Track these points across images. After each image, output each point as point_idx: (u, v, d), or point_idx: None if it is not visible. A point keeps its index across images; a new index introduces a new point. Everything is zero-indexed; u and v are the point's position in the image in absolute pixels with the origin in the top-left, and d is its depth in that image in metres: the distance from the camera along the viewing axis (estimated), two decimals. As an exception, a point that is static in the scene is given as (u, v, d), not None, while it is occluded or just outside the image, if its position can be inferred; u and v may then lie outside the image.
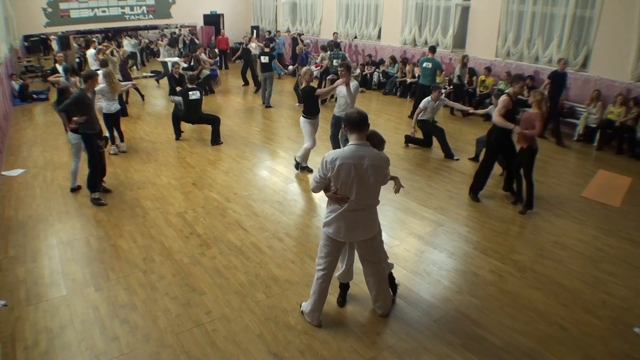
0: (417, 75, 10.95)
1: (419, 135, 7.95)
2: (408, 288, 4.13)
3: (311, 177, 3.32)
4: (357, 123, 3.16)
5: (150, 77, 13.03)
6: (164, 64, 12.90)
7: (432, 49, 9.68)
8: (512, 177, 5.90)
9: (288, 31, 16.03)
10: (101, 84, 6.75)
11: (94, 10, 15.05)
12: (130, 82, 8.85)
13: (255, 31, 16.85)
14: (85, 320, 3.67)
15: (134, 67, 15.29)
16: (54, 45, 14.27)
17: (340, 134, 6.44)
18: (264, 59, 10.57)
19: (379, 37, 13.54)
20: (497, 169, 6.28)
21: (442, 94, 7.54)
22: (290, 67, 12.40)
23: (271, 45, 11.74)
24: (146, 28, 17.06)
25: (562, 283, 4.26)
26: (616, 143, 8.12)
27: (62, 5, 14.44)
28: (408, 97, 11.73)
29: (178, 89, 8.60)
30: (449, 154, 7.51)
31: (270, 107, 10.79)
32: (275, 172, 6.90)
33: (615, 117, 8.11)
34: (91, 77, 5.54)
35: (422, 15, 12.05)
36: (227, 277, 4.27)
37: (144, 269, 4.39)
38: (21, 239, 4.92)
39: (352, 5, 14.14)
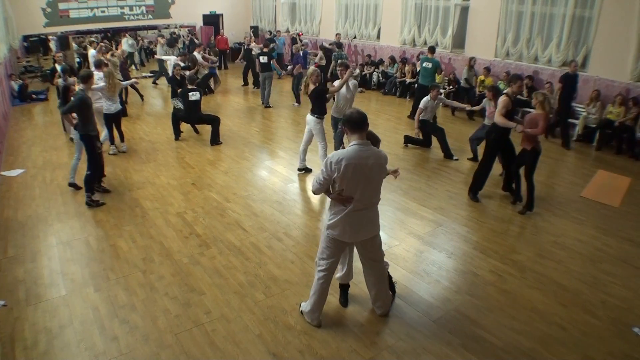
0: (417, 70, 10.78)
1: (422, 136, 7.96)
2: (407, 288, 4.13)
3: (313, 179, 3.31)
4: (358, 123, 3.16)
5: (150, 77, 13.01)
6: (160, 61, 12.89)
7: (432, 49, 9.68)
8: (511, 176, 5.91)
9: (287, 31, 16.03)
10: (100, 83, 6.78)
11: (93, 11, 15.02)
12: (130, 80, 8.86)
13: (253, 31, 16.82)
14: (84, 321, 3.67)
15: (133, 67, 15.26)
16: (52, 45, 14.25)
17: (334, 135, 6.43)
18: (263, 59, 10.59)
19: (378, 37, 13.53)
20: (496, 169, 6.28)
21: (440, 93, 7.55)
22: (289, 67, 12.39)
23: (271, 45, 11.74)
24: (145, 28, 17.02)
25: (561, 283, 4.26)
26: (615, 143, 8.12)
27: (62, 6, 14.41)
28: (407, 97, 11.74)
29: (179, 90, 8.59)
30: (448, 154, 7.53)
31: (269, 107, 10.80)
32: (275, 172, 6.90)
33: (614, 117, 8.12)
34: (91, 77, 5.68)
35: (422, 15, 12.05)
36: (226, 277, 4.27)
37: (143, 269, 4.38)
38: (20, 239, 4.92)
39: (351, 5, 14.13)
